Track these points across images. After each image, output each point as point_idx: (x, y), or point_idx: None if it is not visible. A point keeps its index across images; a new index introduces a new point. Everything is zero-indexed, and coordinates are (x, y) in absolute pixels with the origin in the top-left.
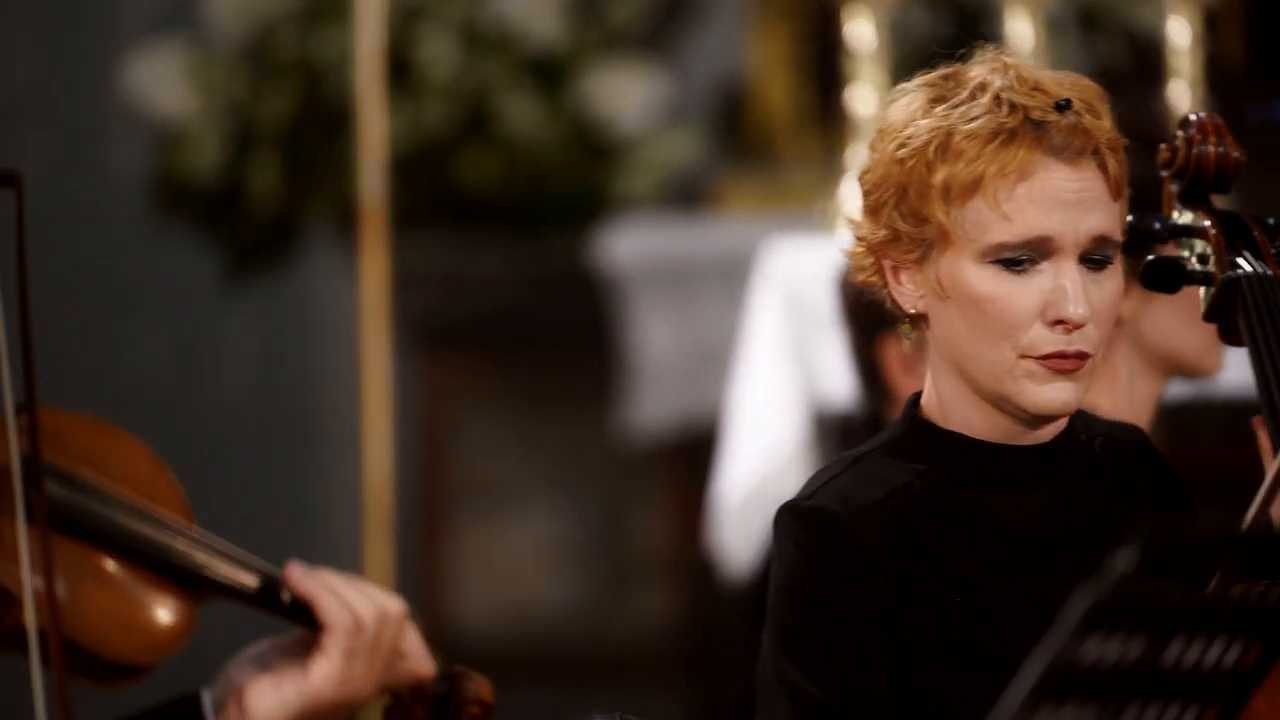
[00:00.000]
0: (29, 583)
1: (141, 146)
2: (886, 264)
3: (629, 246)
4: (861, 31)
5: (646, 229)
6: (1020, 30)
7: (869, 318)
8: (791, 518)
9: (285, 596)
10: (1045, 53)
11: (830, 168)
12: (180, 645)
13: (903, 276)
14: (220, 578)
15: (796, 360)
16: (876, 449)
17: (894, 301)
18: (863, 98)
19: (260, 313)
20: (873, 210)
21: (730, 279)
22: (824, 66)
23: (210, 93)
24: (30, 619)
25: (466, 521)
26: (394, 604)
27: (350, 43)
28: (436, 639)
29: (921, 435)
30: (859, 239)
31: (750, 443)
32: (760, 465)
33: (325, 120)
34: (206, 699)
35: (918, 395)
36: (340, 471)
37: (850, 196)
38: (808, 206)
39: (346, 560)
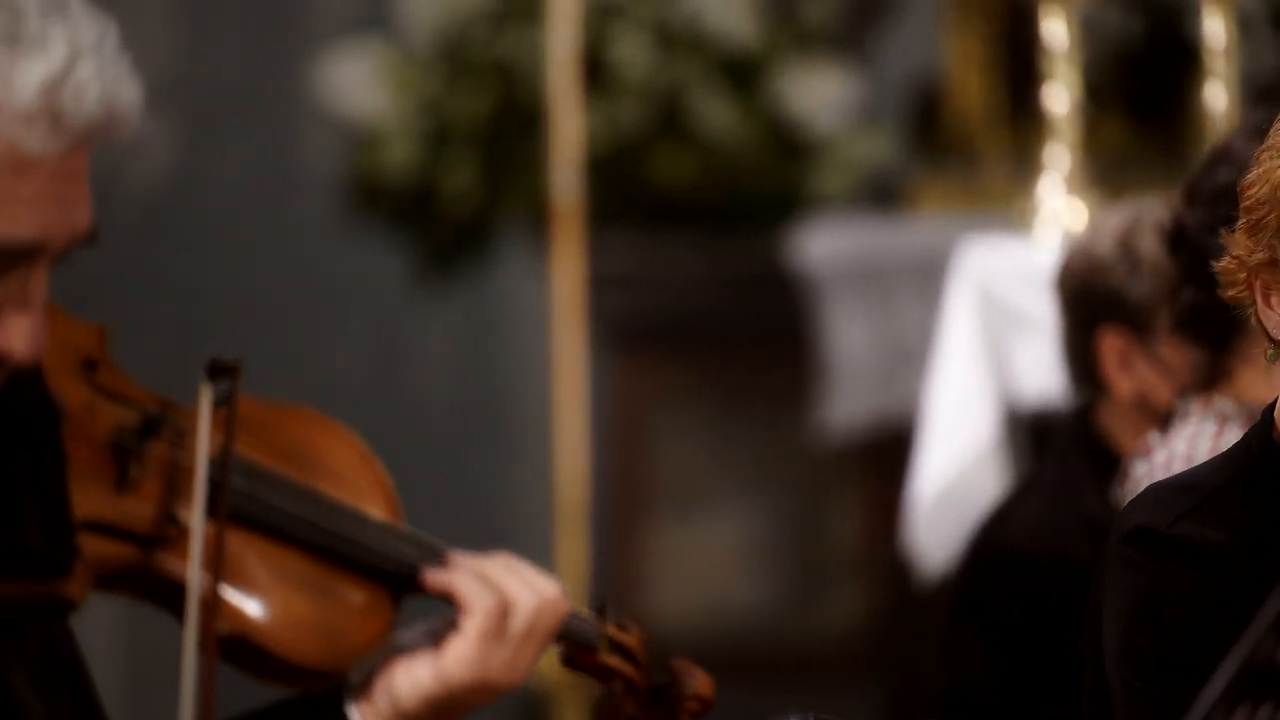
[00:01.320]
0: (196, 581)
1: (336, 147)
2: (1258, 284)
3: (823, 246)
4: (1055, 30)
5: (841, 228)
6: (1213, 29)
7: (1086, 311)
8: (1150, 543)
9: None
10: (1237, 52)
11: (1025, 166)
12: (375, 647)
13: (1274, 301)
14: (417, 577)
15: (992, 359)
16: (1228, 477)
17: (1260, 322)
18: (1057, 97)
19: (454, 313)
20: (1252, 229)
21: (925, 278)
22: (1018, 65)
23: (405, 93)
24: (192, 619)
25: (660, 521)
26: (548, 589)
27: (544, 42)
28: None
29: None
30: (1234, 256)
31: (944, 442)
32: (954, 465)
33: (519, 120)
34: (349, 688)
35: (1267, 415)
36: (534, 471)
37: (1047, 194)
38: (1002, 205)
39: (540, 560)
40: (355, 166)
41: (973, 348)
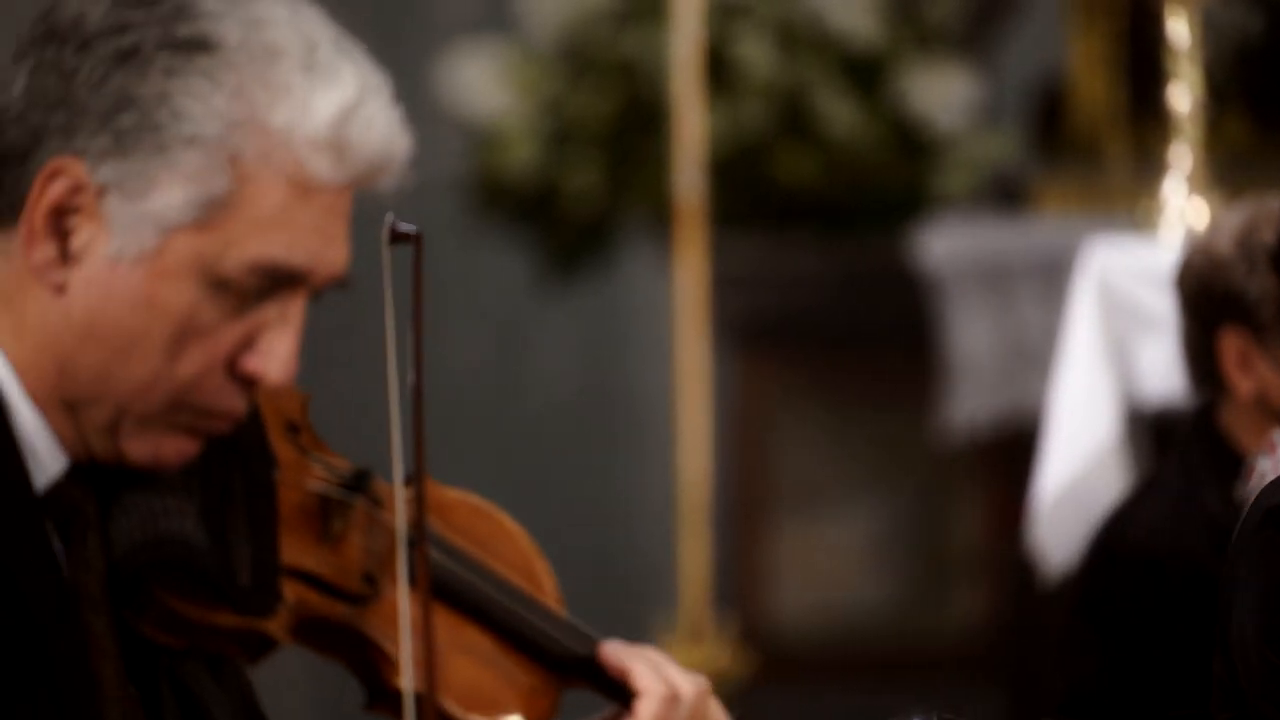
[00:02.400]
0: (407, 646)
1: (459, 147)
2: None
3: (946, 245)
4: (1179, 28)
5: (963, 228)
6: None
7: (1206, 310)
8: None
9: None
10: None
11: (1148, 166)
12: None
13: None
14: (585, 670)
15: (1114, 359)
16: None
17: None
18: (1180, 95)
19: (577, 313)
20: None
21: (1047, 277)
22: (1141, 64)
23: (528, 93)
24: (407, 683)
25: (782, 520)
26: (703, 685)
27: (667, 41)
28: (752, 638)
29: None
30: None
31: (1066, 442)
32: (1076, 464)
33: (642, 119)
34: None
35: None
36: (657, 471)
37: (1170, 193)
38: (1125, 204)
39: (662, 559)
40: (478, 166)
41: (1095, 347)
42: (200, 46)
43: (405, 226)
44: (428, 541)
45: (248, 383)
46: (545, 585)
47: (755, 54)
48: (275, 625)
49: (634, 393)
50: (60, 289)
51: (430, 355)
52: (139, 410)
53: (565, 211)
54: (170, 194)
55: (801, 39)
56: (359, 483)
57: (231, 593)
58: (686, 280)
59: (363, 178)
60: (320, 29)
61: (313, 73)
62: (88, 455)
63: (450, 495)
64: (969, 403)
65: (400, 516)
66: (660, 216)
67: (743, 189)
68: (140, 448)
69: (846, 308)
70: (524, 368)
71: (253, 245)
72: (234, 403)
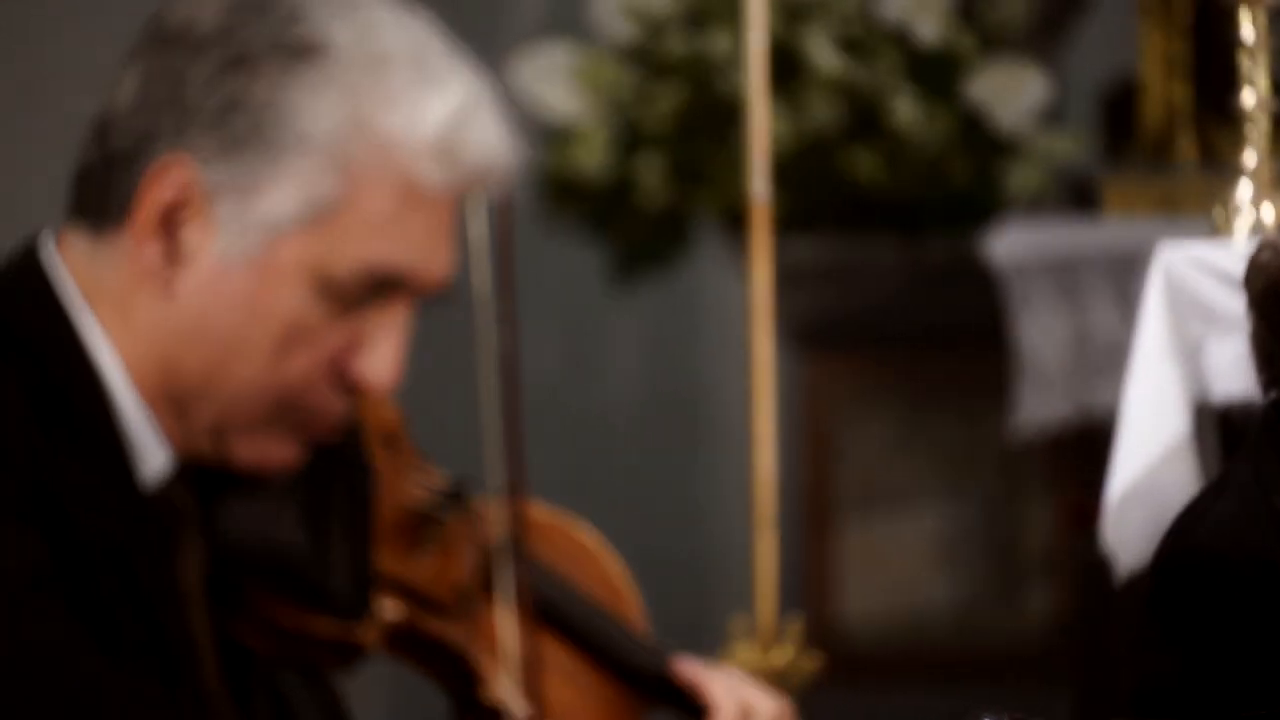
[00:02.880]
0: (512, 662)
1: (530, 146)
2: None
3: (1015, 245)
4: (1250, 28)
5: (1033, 227)
6: None
7: (1274, 309)
8: None
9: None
10: None
11: (1218, 166)
12: None
13: None
14: (668, 692)
15: (1185, 359)
16: None
17: None
18: (1251, 95)
19: (647, 312)
20: None
21: (1118, 276)
22: (1211, 63)
23: (598, 92)
24: (511, 698)
25: (853, 521)
26: (783, 706)
27: (737, 41)
28: (822, 638)
29: None
30: None
31: (1137, 441)
32: (1147, 464)
33: (713, 119)
34: None
35: None
36: (727, 470)
37: (1240, 193)
38: (1196, 204)
39: (734, 559)
40: (549, 165)
41: (1165, 347)
42: (311, 51)
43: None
44: (526, 560)
45: (353, 387)
46: (630, 608)
47: (824, 53)
48: (368, 634)
49: (704, 392)
50: (168, 289)
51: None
52: (244, 412)
53: (636, 211)
54: (279, 197)
55: (870, 38)
56: (455, 498)
57: (327, 600)
58: (757, 279)
59: (470, 184)
60: (430, 36)
61: (423, 79)
62: (192, 455)
63: (540, 513)
64: (1038, 402)
65: (500, 532)
66: (731, 216)
67: (813, 188)
68: (245, 450)
69: (916, 308)
70: (594, 368)
71: (361, 249)
72: (338, 406)
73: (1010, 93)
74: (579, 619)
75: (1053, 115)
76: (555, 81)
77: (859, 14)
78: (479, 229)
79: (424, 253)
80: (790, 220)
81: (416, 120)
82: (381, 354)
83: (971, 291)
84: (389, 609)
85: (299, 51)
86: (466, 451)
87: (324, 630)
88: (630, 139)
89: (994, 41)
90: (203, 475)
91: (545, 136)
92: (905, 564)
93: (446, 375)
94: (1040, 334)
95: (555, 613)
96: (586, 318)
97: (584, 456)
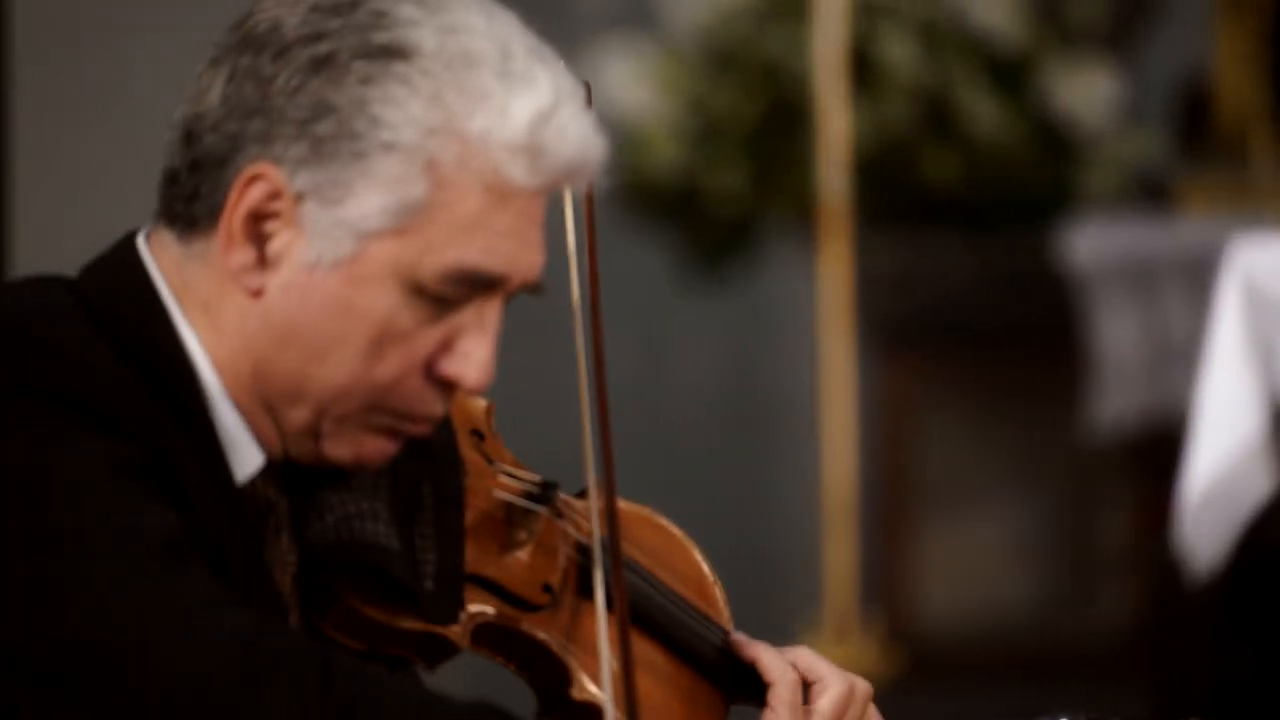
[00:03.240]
0: (607, 667)
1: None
2: None
3: (1091, 244)
4: None
5: (1108, 227)
6: None
7: None
8: None
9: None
10: None
11: None
12: None
13: None
14: (757, 688)
15: (1260, 357)
16: None
17: None
18: None
19: (721, 312)
20: None
21: (1193, 276)
22: None
23: (670, 91)
24: (605, 696)
25: (928, 519)
26: (857, 680)
27: (811, 41)
28: (897, 636)
29: None
30: None
31: (1213, 440)
32: (1223, 462)
33: (786, 119)
34: None
35: None
36: (802, 470)
37: None
38: (1271, 204)
39: (808, 558)
40: (621, 166)
41: (1240, 346)
42: (397, 54)
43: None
44: (622, 559)
45: (446, 386)
46: (718, 601)
47: (899, 53)
48: (457, 632)
49: (778, 392)
50: (258, 293)
51: (571, 356)
52: (337, 412)
53: (709, 211)
54: (368, 201)
55: (945, 38)
56: (545, 494)
57: (417, 598)
58: (830, 280)
59: (558, 182)
60: (515, 35)
61: (509, 78)
62: (284, 454)
63: (627, 508)
64: (1114, 401)
65: (595, 532)
66: (804, 216)
67: (886, 188)
68: (340, 448)
69: (991, 307)
70: (668, 368)
71: (450, 251)
72: (432, 406)
73: (1086, 92)
74: (669, 616)
75: (1128, 115)
76: (626, 81)
77: (934, 14)
78: (564, 225)
79: (514, 253)
80: (864, 221)
81: (503, 120)
82: (474, 354)
83: (1046, 291)
84: (479, 606)
85: (385, 54)
86: (556, 448)
87: (413, 629)
88: (703, 139)
89: (1070, 41)
90: (294, 473)
91: (617, 136)
92: (981, 561)
93: (534, 371)
94: (1116, 334)
95: (645, 610)
96: (661, 317)
97: (658, 455)
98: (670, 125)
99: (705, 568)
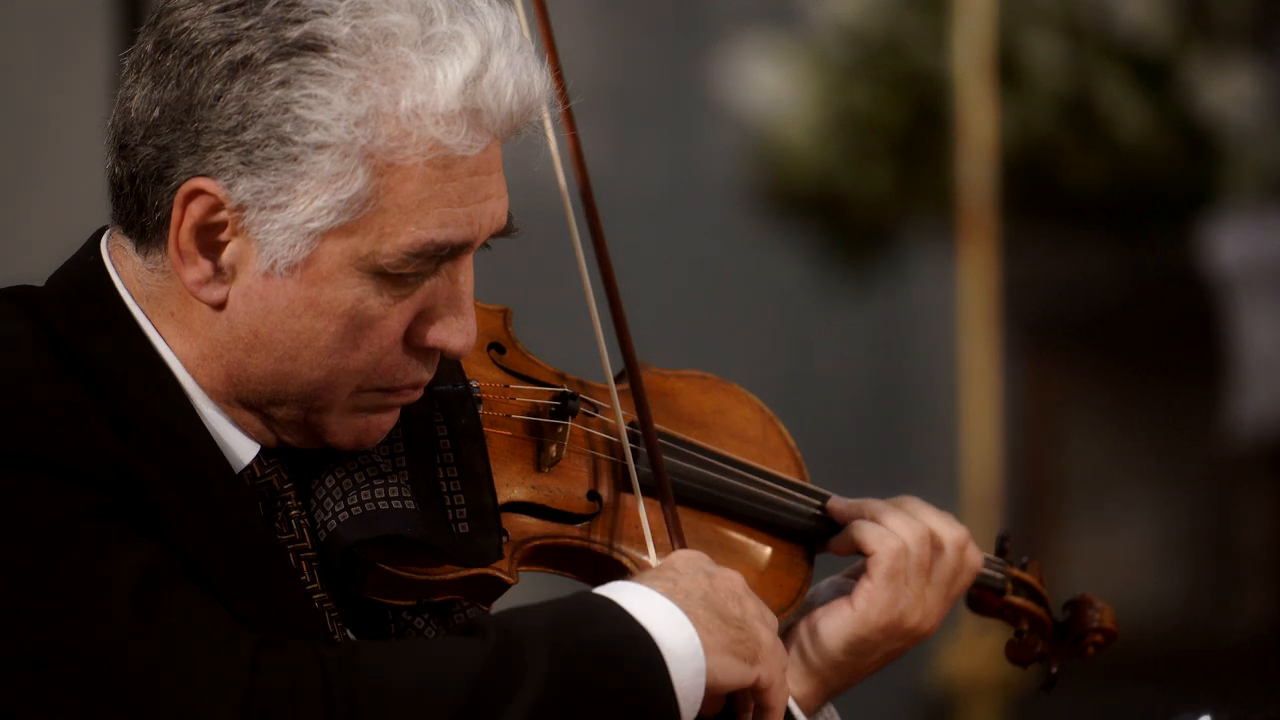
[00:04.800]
0: (653, 557)
1: (745, 148)
2: None
3: (1234, 244)
4: None
5: (1252, 226)
6: None
7: None
8: None
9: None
10: None
11: None
12: (794, 606)
13: None
14: (820, 534)
15: None
16: None
17: None
18: None
19: (864, 312)
20: None
21: None
22: None
23: (813, 92)
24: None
25: (1069, 518)
26: (947, 526)
27: (954, 41)
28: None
29: None
30: None
31: None
32: None
33: (929, 120)
34: None
35: None
36: (944, 469)
37: None
38: None
39: None
40: (764, 168)
41: None
42: (311, 48)
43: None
44: (657, 444)
45: (431, 353)
46: (781, 451)
47: (1043, 53)
48: (502, 566)
49: (921, 391)
50: (219, 305)
51: (715, 356)
52: (323, 404)
53: (852, 213)
54: (310, 202)
55: (1089, 37)
56: (568, 407)
57: (450, 549)
58: (973, 280)
59: (507, 133)
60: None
61: (430, 47)
62: (279, 443)
63: (671, 380)
64: (1256, 400)
65: (620, 424)
66: (946, 216)
67: (1029, 188)
68: (336, 435)
69: (1133, 306)
70: (811, 367)
71: (405, 233)
72: (418, 374)
73: (1231, 92)
74: (724, 488)
75: (1273, 114)
76: (766, 79)
77: (1078, 14)
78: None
79: (471, 216)
80: (1008, 222)
81: (432, 93)
82: (453, 321)
83: (1189, 290)
84: (523, 532)
85: (299, 50)
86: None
87: (455, 577)
88: (847, 140)
89: (1215, 40)
90: (296, 454)
91: (760, 138)
92: (1122, 560)
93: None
94: (1258, 333)
95: (697, 489)
96: (804, 318)
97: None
98: (812, 126)
99: (766, 415)
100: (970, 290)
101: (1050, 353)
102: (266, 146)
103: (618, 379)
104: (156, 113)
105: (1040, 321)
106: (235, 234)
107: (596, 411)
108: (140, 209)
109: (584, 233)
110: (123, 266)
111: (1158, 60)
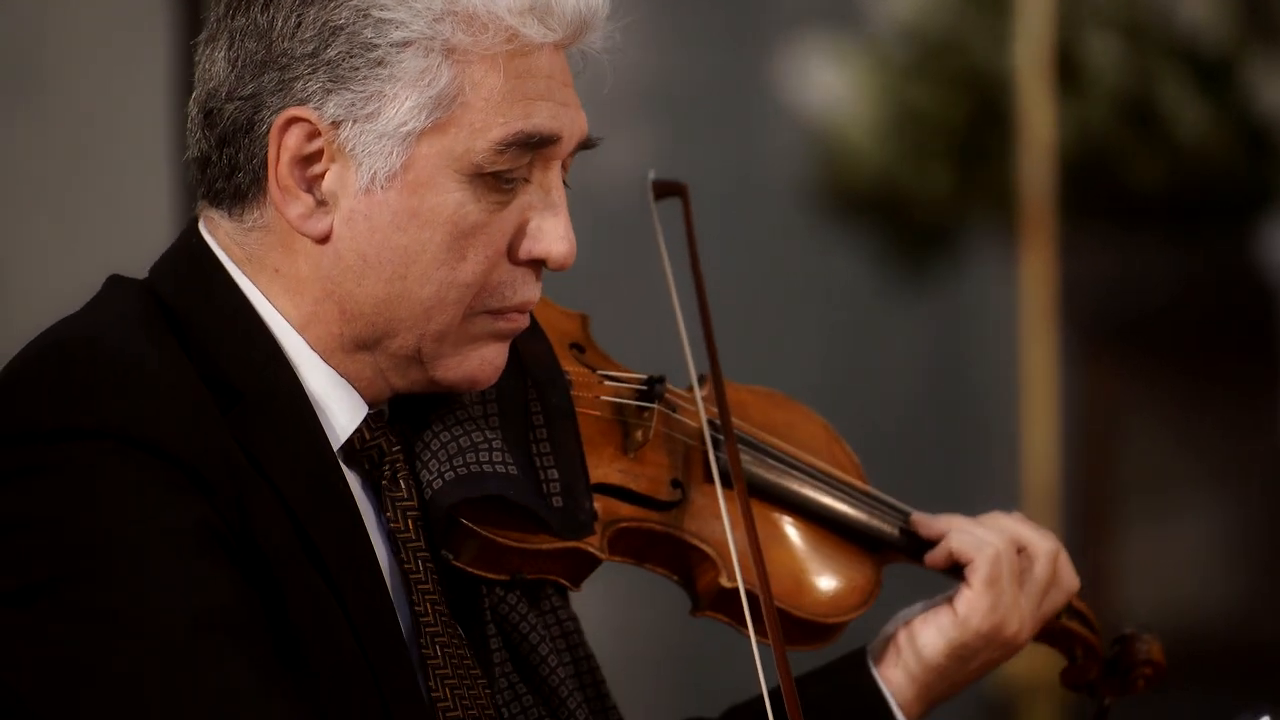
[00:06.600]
0: (734, 545)
1: (804, 148)
2: None
3: None
4: None
5: None
6: None
7: None
8: None
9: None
10: None
11: None
12: (866, 606)
13: None
14: (897, 543)
15: None
16: None
17: None
18: None
19: (924, 313)
20: None
21: None
22: None
23: (873, 91)
24: (740, 581)
25: (1129, 519)
26: (1039, 538)
27: (1014, 41)
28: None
29: None
30: None
31: None
32: None
33: (989, 119)
34: (869, 651)
35: None
36: (1004, 470)
37: None
38: None
39: None
40: (823, 167)
41: None
42: None
43: (667, 179)
44: (735, 437)
45: (534, 268)
46: (847, 465)
47: (1103, 52)
48: (595, 543)
49: (981, 392)
50: (324, 236)
51: (774, 357)
52: (436, 328)
53: (912, 213)
54: (400, 104)
55: (1149, 36)
56: (653, 390)
57: (548, 518)
58: (1033, 281)
59: (571, 35)
60: None
61: None
62: (393, 395)
63: (744, 391)
64: None
65: (702, 415)
66: (1006, 216)
67: (1089, 189)
68: (450, 370)
69: (1193, 307)
70: (870, 368)
71: (495, 125)
72: (526, 293)
73: None
74: (801, 488)
75: None
76: (830, 83)
77: (1138, 13)
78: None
79: (555, 111)
80: (1068, 222)
81: None
82: (552, 229)
83: (1249, 292)
84: (612, 514)
85: None
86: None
87: (551, 548)
88: (906, 140)
89: (1276, 40)
90: (405, 416)
91: (819, 138)
92: (1182, 562)
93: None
94: None
95: (775, 486)
96: (863, 318)
97: (861, 455)
98: (872, 125)
99: (830, 433)
100: (1029, 289)
101: (1109, 353)
102: (351, 57)
103: (690, 389)
104: (238, 67)
105: (1099, 321)
106: (333, 159)
107: (675, 410)
108: (233, 169)
109: (670, 235)
110: (220, 238)
111: (1217, 60)
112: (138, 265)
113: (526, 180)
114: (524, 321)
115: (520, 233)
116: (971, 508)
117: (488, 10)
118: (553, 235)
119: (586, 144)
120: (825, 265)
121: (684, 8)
